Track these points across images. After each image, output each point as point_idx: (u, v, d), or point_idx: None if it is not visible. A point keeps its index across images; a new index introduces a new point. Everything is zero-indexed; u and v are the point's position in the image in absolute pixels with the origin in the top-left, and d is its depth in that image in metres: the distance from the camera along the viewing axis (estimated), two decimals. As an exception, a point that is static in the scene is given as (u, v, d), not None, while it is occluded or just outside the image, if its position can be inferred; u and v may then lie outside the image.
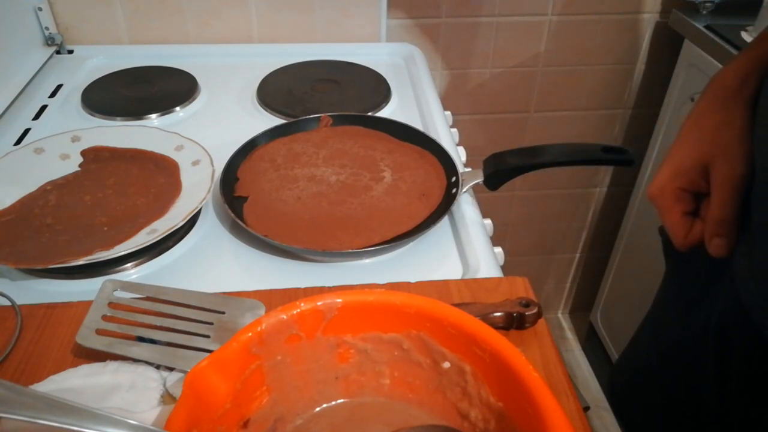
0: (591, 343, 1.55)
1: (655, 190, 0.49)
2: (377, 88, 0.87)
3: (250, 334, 0.36)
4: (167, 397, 0.41)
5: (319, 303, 0.37)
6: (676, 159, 0.49)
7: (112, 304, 0.46)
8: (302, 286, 0.51)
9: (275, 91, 0.86)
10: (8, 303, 0.49)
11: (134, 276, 0.56)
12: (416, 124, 0.78)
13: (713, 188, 0.46)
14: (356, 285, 0.52)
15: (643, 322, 0.67)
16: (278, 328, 0.36)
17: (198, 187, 0.61)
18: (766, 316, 0.44)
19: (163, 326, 0.44)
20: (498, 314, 0.46)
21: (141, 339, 0.44)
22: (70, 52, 0.97)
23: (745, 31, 0.99)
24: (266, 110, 0.83)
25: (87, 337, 0.43)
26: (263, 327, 0.36)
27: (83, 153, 0.68)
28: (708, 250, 0.46)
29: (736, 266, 0.48)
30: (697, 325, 0.55)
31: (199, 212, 0.62)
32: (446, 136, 0.76)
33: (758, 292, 0.44)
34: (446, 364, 0.38)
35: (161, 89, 0.86)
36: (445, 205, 0.62)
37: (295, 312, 0.37)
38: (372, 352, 0.39)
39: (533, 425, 0.32)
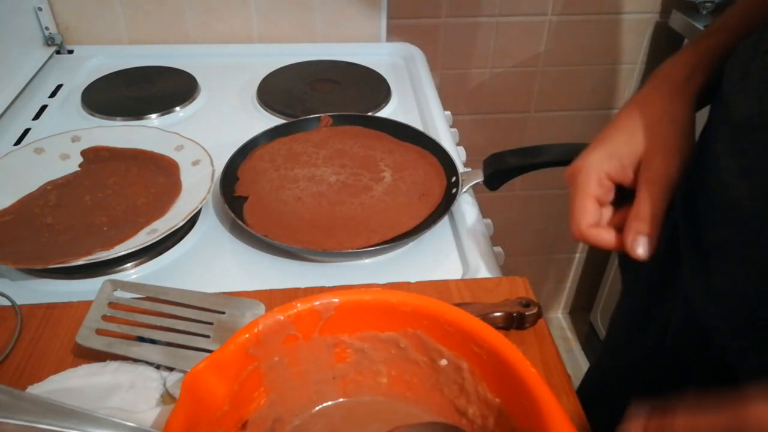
0: (591, 343, 1.55)
1: (578, 167, 0.46)
2: (377, 88, 0.87)
3: (247, 335, 0.36)
4: (167, 397, 0.41)
5: (315, 303, 0.37)
6: (610, 143, 0.46)
7: (112, 304, 0.46)
8: (302, 286, 0.51)
9: (275, 91, 0.86)
10: (8, 303, 0.49)
11: (134, 276, 0.56)
12: (416, 124, 0.78)
13: (645, 183, 0.43)
14: (356, 285, 0.52)
15: (607, 333, 0.67)
16: (275, 329, 0.37)
17: (198, 187, 0.61)
18: (728, 340, 0.42)
19: (163, 326, 0.44)
20: (498, 314, 0.46)
21: (141, 339, 0.44)
22: (70, 52, 0.97)
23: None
24: (266, 110, 0.83)
25: (87, 337, 0.44)
26: (260, 328, 0.36)
27: (83, 153, 0.68)
28: (627, 249, 0.43)
29: (690, 288, 0.46)
30: (650, 344, 0.55)
31: (199, 212, 0.62)
32: (446, 136, 0.76)
33: (719, 315, 0.42)
34: (443, 362, 0.38)
35: (161, 89, 0.86)
36: (445, 205, 0.62)
37: (291, 312, 0.37)
38: (369, 351, 0.39)
39: (531, 420, 0.32)
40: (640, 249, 0.43)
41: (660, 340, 0.52)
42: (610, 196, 0.46)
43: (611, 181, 0.45)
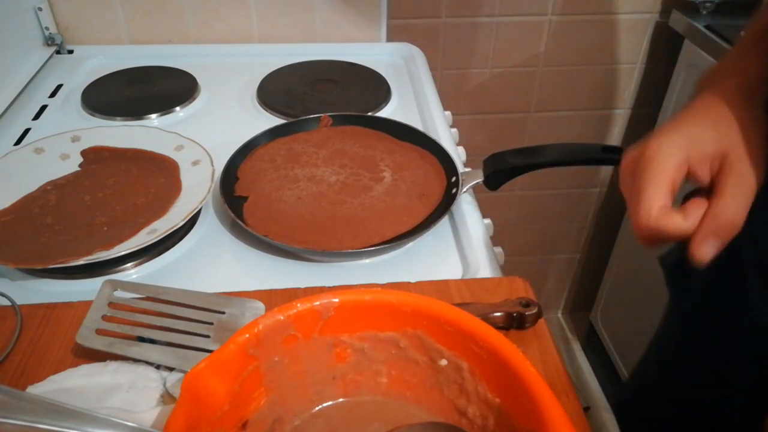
0: (591, 343, 1.55)
1: (654, 145, 0.40)
2: (377, 88, 0.87)
3: (247, 335, 0.36)
4: (167, 397, 0.41)
5: (315, 303, 0.37)
6: (691, 129, 0.41)
7: (112, 304, 0.46)
8: (302, 286, 0.51)
9: (275, 91, 0.86)
10: (8, 303, 0.49)
11: (134, 276, 0.56)
12: (416, 124, 0.78)
13: (728, 186, 0.39)
14: (356, 285, 0.52)
15: (649, 348, 0.66)
16: (275, 328, 0.36)
17: (198, 187, 0.61)
18: None
19: (163, 326, 0.44)
20: (498, 314, 0.46)
21: (141, 339, 0.44)
22: (70, 52, 0.97)
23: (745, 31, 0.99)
24: (266, 110, 0.83)
25: (87, 337, 0.44)
26: (260, 328, 0.36)
27: (83, 153, 0.68)
28: (693, 246, 0.39)
29: (759, 308, 0.44)
30: (703, 360, 0.54)
31: (199, 212, 0.62)
32: (446, 136, 0.76)
33: None
34: (443, 362, 0.38)
35: (161, 89, 0.86)
36: (445, 205, 0.62)
37: (291, 312, 0.37)
38: (369, 351, 0.39)
39: (531, 420, 0.32)
40: (708, 253, 0.38)
41: (713, 355, 0.51)
42: (682, 182, 0.40)
43: (686, 169, 0.40)
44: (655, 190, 0.39)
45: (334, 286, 0.49)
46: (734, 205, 0.38)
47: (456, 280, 0.53)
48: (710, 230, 0.38)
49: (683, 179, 0.40)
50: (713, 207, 0.39)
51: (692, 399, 0.56)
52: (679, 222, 0.39)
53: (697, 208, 0.39)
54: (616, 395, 0.73)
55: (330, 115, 0.74)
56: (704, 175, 0.40)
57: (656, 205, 0.39)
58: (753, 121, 0.40)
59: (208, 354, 0.35)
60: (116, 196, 0.63)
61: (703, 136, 0.40)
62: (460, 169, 0.67)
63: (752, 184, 0.39)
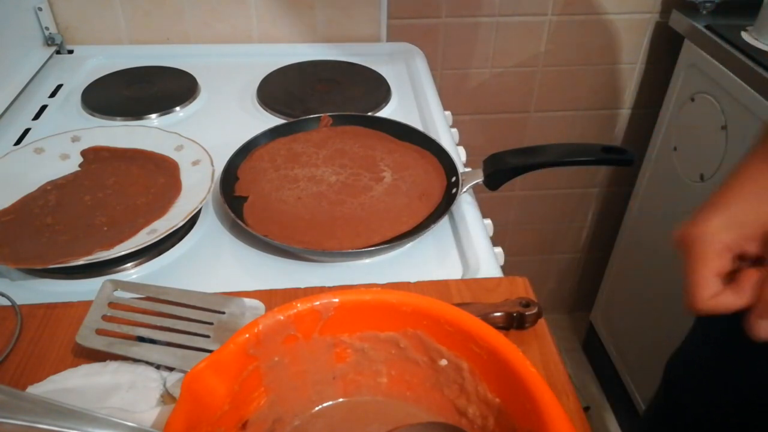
0: (591, 343, 1.55)
1: (694, 234, 0.41)
2: (377, 88, 0.87)
3: (247, 335, 0.36)
4: (167, 397, 0.41)
5: (315, 303, 0.37)
6: (733, 208, 0.41)
7: (112, 304, 0.46)
8: (302, 286, 0.51)
9: (275, 91, 0.86)
10: (8, 303, 0.49)
11: (134, 276, 0.56)
12: (416, 124, 0.78)
13: None
14: (356, 285, 0.52)
15: (680, 366, 0.64)
16: (275, 329, 0.37)
17: (198, 187, 0.61)
18: None
19: (163, 326, 0.44)
20: (498, 314, 0.46)
21: (141, 339, 0.44)
22: (70, 52, 0.97)
23: (745, 31, 0.99)
24: (266, 110, 0.83)
25: (87, 337, 0.44)
26: (260, 328, 0.36)
27: (83, 153, 0.68)
28: (749, 328, 0.39)
29: None
30: (729, 380, 0.53)
31: (199, 212, 0.62)
32: (446, 136, 0.76)
33: None
34: (443, 362, 0.38)
35: (161, 89, 0.86)
36: (445, 205, 0.62)
37: (291, 312, 0.37)
38: (369, 351, 0.39)
39: (531, 420, 0.32)
40: (764, 335, 0.38)
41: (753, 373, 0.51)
42: (730, 266, 0.41)
43: (731, 253, 0.41)
44: (699, 283, 0.40)
45: (334, 286, 0.49)
46: None
47: (456, 280, 0.53)
48: (763, 314, 0.38)
49: (729, 260, 0.41)
50: (749, 283, 0.39)
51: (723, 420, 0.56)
52: (731, 301, 0.39)
53: (750, 281, 0.39)
54: (663, 371, 0.70)
55: (330, 115, 0.74)
56: (751, 251, 0.40)
57: (702, 299, 0.40)
58: None
59: (208, 354, 0.35)
60: (116, 196, 0.63)
61: (744, 214, 0.40)
62: (460, 169, 0.67)
63: None
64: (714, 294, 0.40)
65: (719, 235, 0.40)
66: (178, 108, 0.82)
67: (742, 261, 0.41)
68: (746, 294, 0.39)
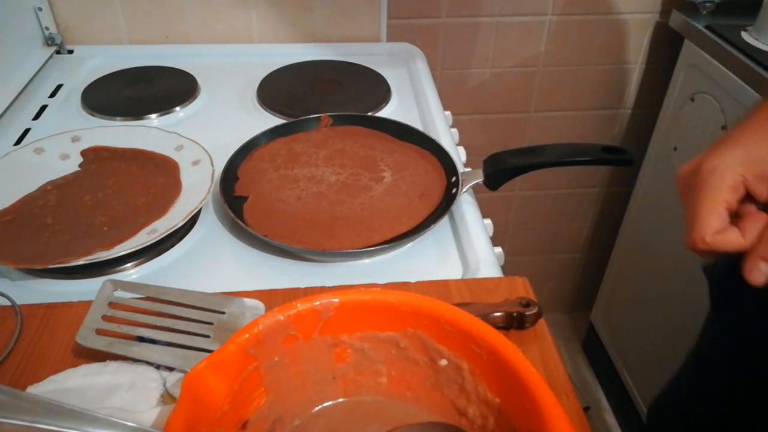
0: (591, 343, 1.55)
1: (710, 166, 0.39)
2: (377, 88, 0.87)
3: (247, 335, 0.36)
4: (167, 397, 0.41)
5: (315, 303, 0.37)
6: (749, 145, 0.40)
7: (112, 304, 0.46)
8: (302, 286, 0.51)
9: (275, 91, 0.86)
10: (8, 303, 0.49)
11: (134, 276, 0.56)
12: (416, 124, 0.78)
13: None
14: (356, 285, 0.52)
15: (685, 363, 0.64)
16: (275, 329, 0.36)
17: (198, 187, 0.61)
18: None
19: (163, 326, 0.44)
20: (498, 314, 0.46)
21: (141, 339, 0.44)
22: (70, 52, 0.97)
23: (745, 31, 0.99)
24: (266, 110, 0.83)
25: (87, 337, 0.44)
26: (260, 328, 0.36)
27: (83, 153, 0.68)
28: (745, 272, 0.38)
29: None
30: (745, 376, 0.53)
31: (199, 212, 0.62)
32: (446, 136, 0.76)
33: None
34: (443, 362, 0.38)
35: (161, 89, 0.86)
36: (445, 205, 0.62)
37: (291, 312, 0.37)
38: (369, 351, 0.39)
39: (531, 420, 0.32)
40: (761, 277, 0.37)
41: (755, 371, 0.50)
42: (737, 205, 0.40)
43: (743, 190, 0.40)
44: (709, 213, 0.39)
45: (334, 286, 0.49)
46: None
47: (456, 280, 0.53)
48: (765, 254, 0.38)
49: (740, 199, 0.40)
50: (756, 223, 0.38)
51: (731, 414, 0.55)
52: (735, 240, 0.39)
53: (755, 223, 0.39)
54: (647, 417, 0.70)
55: (330, 115, 0.74)
56: (762, 193, 0.39)
57: (709, 231, 0.39)
58: None
59: (208, 354, 0.35)
60: (116, 196, 0.63)
61: (760, 153, 0.39)
62: (460, 169, 0.67)
63: None
64: (720, 229, 0.38)
65: (736, 168, 0.39)
66: (178, 108, 0.82)
67: (747, 204, 0.40)
68: (751, 235, 0.38)
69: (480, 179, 0.64)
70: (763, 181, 0.39)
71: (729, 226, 0.39)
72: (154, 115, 0.81)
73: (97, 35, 0.98)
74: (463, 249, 0.59)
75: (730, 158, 0.40)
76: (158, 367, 0.43)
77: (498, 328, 0.45)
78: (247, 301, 0.46)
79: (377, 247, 0.57)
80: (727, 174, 0.39)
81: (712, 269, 0.58)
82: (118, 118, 0.80)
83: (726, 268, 0.55)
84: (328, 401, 0.40)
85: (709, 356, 0.61)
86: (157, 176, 0.65)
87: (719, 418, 0.57)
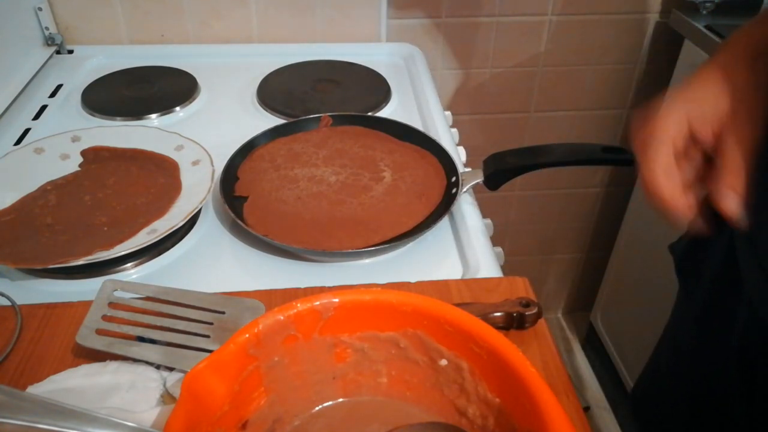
0: (591, 343, 1.55)
1: (657, 115, 0.42)
2: (377, 88, 0.87)
3: (247, 335, 0.36)
4: (167, 397, 0.41)
5: (315, 303, 0.37)
6: (692, 97, 0.43)
7: (112, 304, 0.46)
8: (302, 286, 0.51)
9: (275, 91, 0.86)
10: (8, 303, 0.49)
11: (134, 276, 0.56)
12: (416, 124, 0.78)
13: (734, 144, 0.40)
14: (356, 285, 0.52)
15: (662, 338, 0.66)
16: (275, 329, 0.36)
17: (198, 187, 0.61)
18: None
19: (163, 326, 0.44)
20: (498, 314, 0.46)
21: (141, 339, 0.44)
22: (70, 52, 0.97)
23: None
24: (266, 110, 0.83)
25: (87, 337, 0.44)
26: (260, 328, 0.36)
27: (83, 153, 0.68)
28: (717, 202, 0.39)
29: (751, 287, 0.45)
30: (715, 346, 0.54)
31: (199, 212, 0.62)
32: (446, 136, 0.76)
33: None
34: (443, 362, 0.38)
35: (161, 89, 0.86)
36: (445, 205, 0.62)
37: (291, 312, 0.37)
38: (369, 351, 0.39)
39: (531, 420, 0.32)
40: (733, 204, 0.39)
41: (724, 342, 0.52)
42: (682, 149, 0.42)
43: (690, 131, 0.42)
44: (656, 152, 0.42)
45: (334, 286, 0.49)
46: (740, 159, 0.40)
47: (456, 280, 0.53)
48: (728, 184, 0.39)
49: (686, 137, 0.42)
50: (723, 165, 0.40)
51: (707, 386, 0.56)
52: (677, 195, 0.41)
53: (692, 161, 0.42)
54: (632, 392, 0.72)
55: (330, 115, 0.74)
56: (707, 134, 0.41)
57: (658, 168, 0.41)
58: (752, 83, 0.42)
59: (208, 354, 0.35)
60: (116, 196, 0.63)
61: (703, 97, 0.42)
62: (460, 169, 0.67)
63: (753, 142, 0.40)
64: (668, 168, 0.41)
65: (681, 109, 0.42)
66: (178, 108, 0.82)
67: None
68: (687, 171, 0.41)
69: (480, 179, 0.64)
70: (705, 122, 0.41)
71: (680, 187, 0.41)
72: (154, 115, 0.81)
73: (97, 35, 0.98)
74: (463, 249, 0.59)
75: (675, 104, 0.43)
76: (158, 367, 0.43)
77: (498, 328, 0.45)
78: (247, 301, 0.46)
79: (377, 247, 0.57)
80: (672, 113, 0.42)
81: (676, 246, 0.61)
82: (118, 118, 0.80)
83: (689, 243, 0.58)
84: (328, 401, 0.40)
85: (680, 332, 0.62)
86: (157, 176, 0.65)
87: (697, 397, 0.58)
